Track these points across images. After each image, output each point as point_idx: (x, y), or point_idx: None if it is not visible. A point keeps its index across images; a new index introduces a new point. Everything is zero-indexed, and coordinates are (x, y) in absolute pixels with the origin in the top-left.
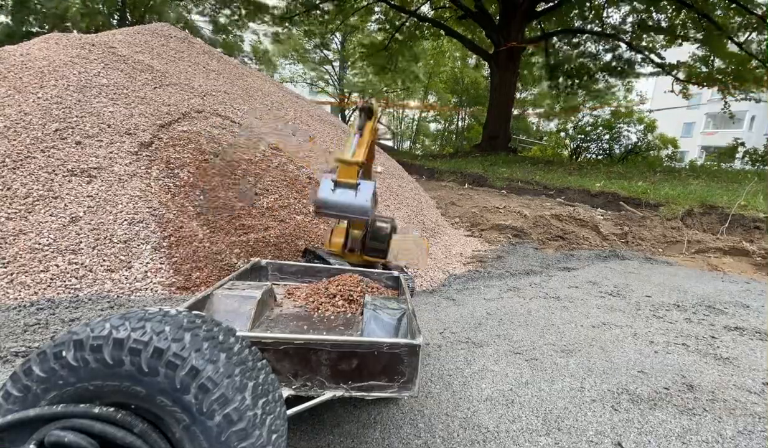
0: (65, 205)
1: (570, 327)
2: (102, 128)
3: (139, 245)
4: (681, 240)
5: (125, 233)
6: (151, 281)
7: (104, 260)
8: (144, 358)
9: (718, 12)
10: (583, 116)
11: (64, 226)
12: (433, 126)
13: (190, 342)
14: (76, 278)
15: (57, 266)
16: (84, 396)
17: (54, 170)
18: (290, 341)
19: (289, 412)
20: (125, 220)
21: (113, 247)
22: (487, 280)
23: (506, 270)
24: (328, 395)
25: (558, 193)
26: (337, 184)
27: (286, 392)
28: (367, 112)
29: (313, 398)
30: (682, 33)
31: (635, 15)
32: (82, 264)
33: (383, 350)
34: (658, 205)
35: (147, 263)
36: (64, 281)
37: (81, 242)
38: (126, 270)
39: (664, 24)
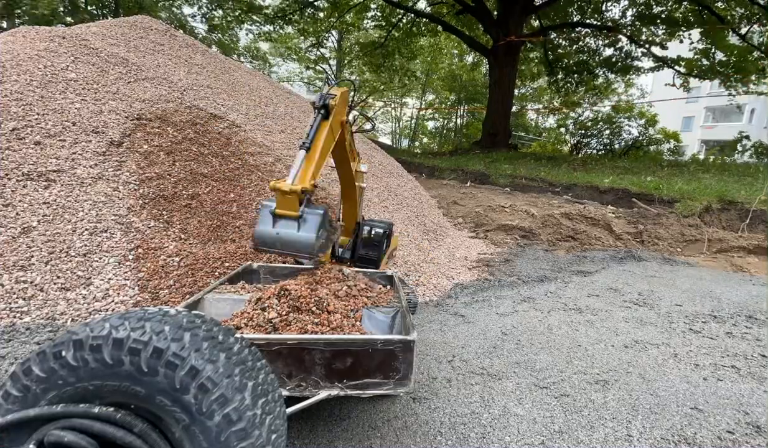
0: (17, 213)
1: (599, 348)
2: (66, 126)
3: (100, 258)
4: (701, 239)
5: (85, 245)
6: (113, 300)
7: (59, 277)
8: (143, 358)
9: (719, 4)
10: (584, 111)
11: (13, 238)
12: (431, 124)
13: (189, 342)
14: (24, 299)
15: (2, 285)
16: (84, 396)
17: (7, 174)
18: (283, 341)
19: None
20: (86, 229)
21: (70, 261)
22: (498, 289)
23: (517, 276)
24: (323, 394)
25: (564, 190)
26: (276, 217)
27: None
28: (324, 111)
29: (308, 398)
30: (682, 24)
31: (635, 8)
32: (31, 282)
33: (377, 347)
34: (673, 201)
35: (109, 279)
36: (9, 304)
37: (32, 256)
38: (84, 288)
39: (663, 16)
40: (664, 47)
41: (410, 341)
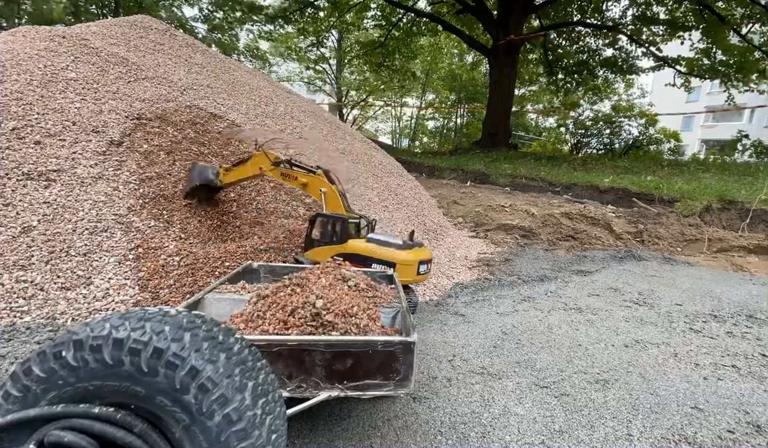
0: (17, 213)
1: (600, 348)
2: (66, 126)
3: (101, 258)
4: (701, 238)
5: (85, 245)
6: (113, 300)
7: (59, 276)
8: (144, 358)
9: (720, 3)
10: (584, 111)
11: (13, 237)
12: (431, 123)
13: (189, 342)
14: (24, 299)
15: (2, 284)
16: (84, 396)
17: (7, 174)
18: (283, 343)
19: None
20: (86, 229)
21: (70, 261)
22: (498, 289)
23: (517, 276)
24: (323, 395)
25: (564, 189)
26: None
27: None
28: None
29: (308, 399)
30: (683, 24)
31: (635, 8)
32: (32, 282)
33: (378, 349)
34: (673, 200)
35: (109, 278)
36: (9, 303)
37: (32, 256)
38: (84, 287)
39: (663, 16)
40: (659, 50)
41: (410, 342)
